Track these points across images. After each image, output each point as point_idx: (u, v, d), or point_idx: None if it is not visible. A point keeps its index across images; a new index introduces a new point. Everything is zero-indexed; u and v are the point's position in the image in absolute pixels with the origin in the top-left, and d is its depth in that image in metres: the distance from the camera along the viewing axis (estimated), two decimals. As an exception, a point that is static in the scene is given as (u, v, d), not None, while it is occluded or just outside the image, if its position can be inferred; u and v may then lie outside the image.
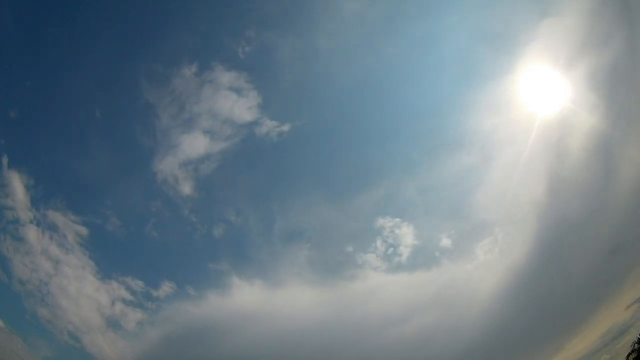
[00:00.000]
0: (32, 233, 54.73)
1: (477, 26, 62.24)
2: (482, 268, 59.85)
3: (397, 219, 62.60)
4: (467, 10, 61.55)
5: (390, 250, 61.88)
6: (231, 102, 60.53)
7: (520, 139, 59.40)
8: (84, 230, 56.49)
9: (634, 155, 51.95)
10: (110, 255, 59.04)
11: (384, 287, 61.20)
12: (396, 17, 62.88)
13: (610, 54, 52.95)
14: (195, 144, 60.74)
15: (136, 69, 62.41)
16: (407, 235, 62.11)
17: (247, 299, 59.26)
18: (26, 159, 57.21)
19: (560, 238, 55.75)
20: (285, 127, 62.04)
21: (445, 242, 61.72)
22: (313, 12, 62.83)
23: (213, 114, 61.03)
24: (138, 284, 56.73)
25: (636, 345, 40.39)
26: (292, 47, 63.43)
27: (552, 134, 57.52)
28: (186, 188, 61.17)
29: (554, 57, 55.92)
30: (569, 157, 56.67)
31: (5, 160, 54.65)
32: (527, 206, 60.26)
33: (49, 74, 60.36)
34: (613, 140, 53.34)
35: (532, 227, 59.10)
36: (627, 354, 40.68)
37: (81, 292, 55.37)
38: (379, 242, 62.40)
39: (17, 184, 54.74)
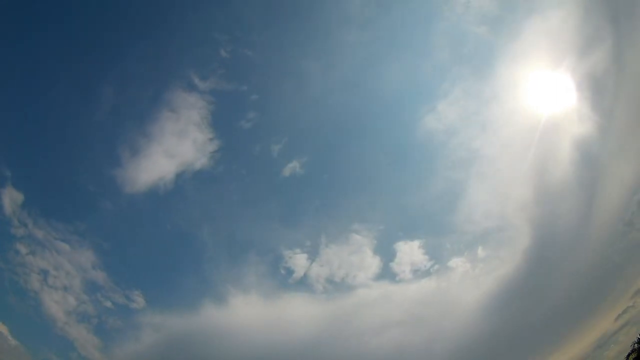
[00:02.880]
0: (23, 247, 58.45)
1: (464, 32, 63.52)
2: (465, 282, 60.57)
3: (372, 234, 64.01)
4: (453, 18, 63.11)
5: (374, 265, 63.56)
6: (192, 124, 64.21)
7: (506, 150, 61.74)
8: (66, 247, 60.60)
9: (620, 162, 52.15)
10: (95, 268, 61.92)
11: (372, 300, 62.13)
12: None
13: (598, 58, 53.80)
14: (162, 164, 64.71)
15: (101, 88, 67.01)
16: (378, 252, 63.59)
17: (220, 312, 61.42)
18: (14, 179, 60.20)
19: (545, 251, 55.86)
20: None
21: (423, 257, 62.10)
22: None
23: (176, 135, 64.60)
24: (120, 296, 60.67)
25: (636, 345, 39.87)
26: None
27: (539, 142, 57.91)
28: (154, 205, 66.52)
29: (540, 62, 57.07)
30: (555, 167, 57.02)
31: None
32: (513, 218, 60.66)
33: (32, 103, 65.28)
34: (600, 149, 53.84)
35: (517, 240, 59.05)
36: (627, 354, 40.62)
37: (70, 302, 58.75)
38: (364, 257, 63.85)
39: (7, 201, 58.34)
